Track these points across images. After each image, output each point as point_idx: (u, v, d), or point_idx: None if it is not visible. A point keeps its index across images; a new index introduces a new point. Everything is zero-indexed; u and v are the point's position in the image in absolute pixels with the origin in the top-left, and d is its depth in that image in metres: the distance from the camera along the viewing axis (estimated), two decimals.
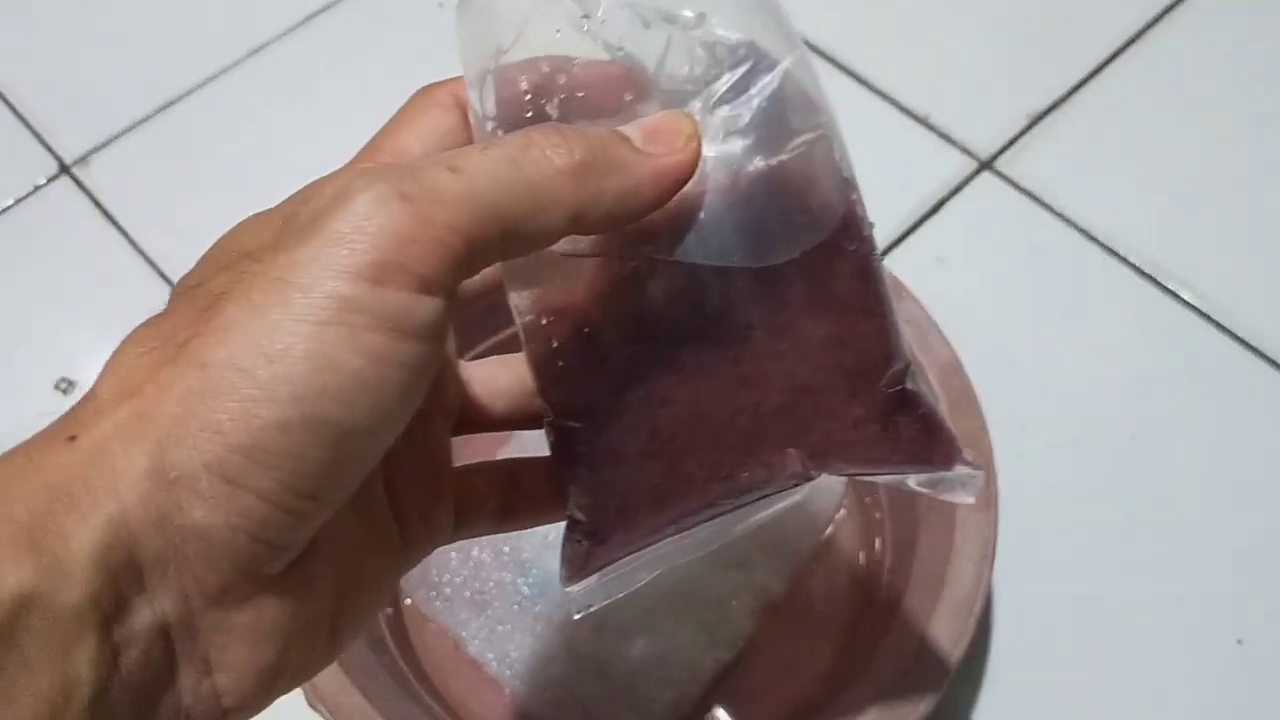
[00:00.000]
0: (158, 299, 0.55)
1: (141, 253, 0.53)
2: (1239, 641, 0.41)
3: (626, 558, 0.24)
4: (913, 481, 0.24)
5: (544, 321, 0.22)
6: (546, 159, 0.19)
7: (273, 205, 0.21)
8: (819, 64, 0.57)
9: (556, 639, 0.41)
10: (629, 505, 0.23)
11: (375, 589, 0.22)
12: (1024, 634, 0.41)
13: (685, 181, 0.21)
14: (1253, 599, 0.42)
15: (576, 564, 0.24)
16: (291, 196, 0.20)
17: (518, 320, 0.23)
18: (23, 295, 0.52)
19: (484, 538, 0.43)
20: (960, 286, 0.48)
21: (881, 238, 0.51)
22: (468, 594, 0.42)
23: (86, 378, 0.50)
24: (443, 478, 0.24)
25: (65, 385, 0.49)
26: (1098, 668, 0.41)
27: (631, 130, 0.21)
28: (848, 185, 0.23)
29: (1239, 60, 0.56)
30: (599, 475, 0.23)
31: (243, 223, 0.20)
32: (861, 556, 0.42)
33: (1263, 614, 0.41)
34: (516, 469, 0.25)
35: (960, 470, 0.24)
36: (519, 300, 0.22)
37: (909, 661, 0.34)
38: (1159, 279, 0.49)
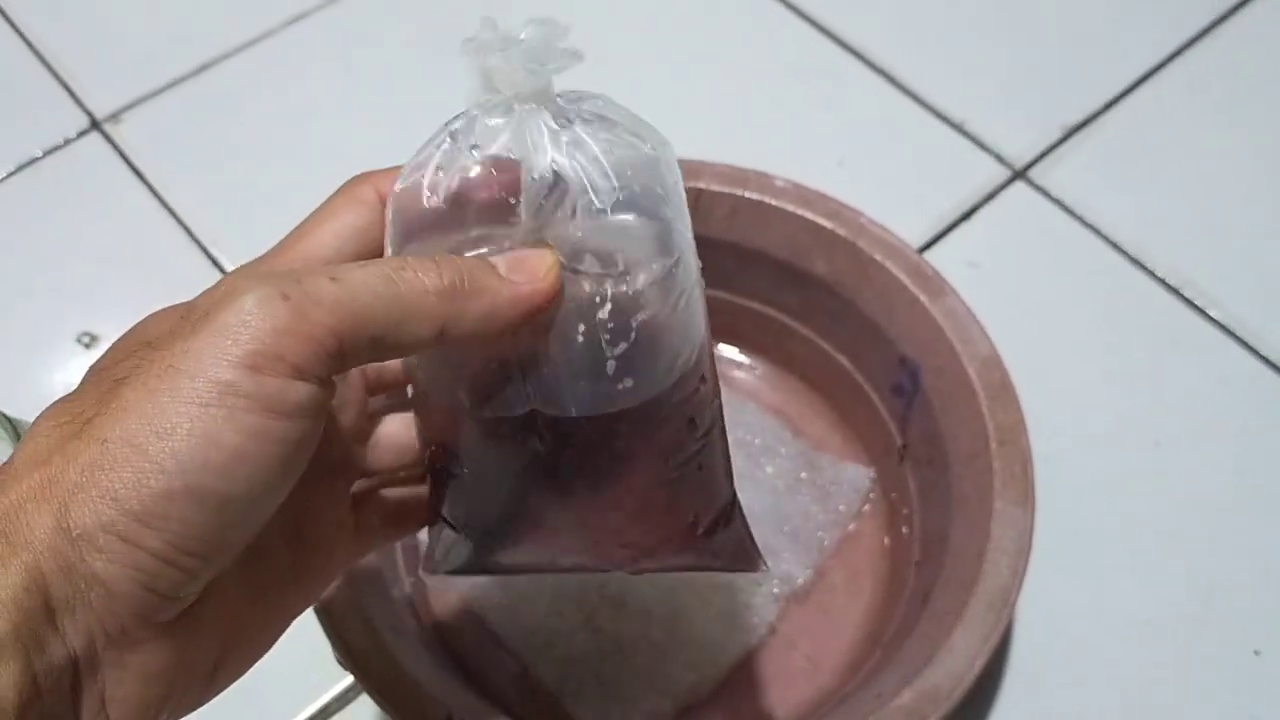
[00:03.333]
0: (185, 258, 0.55)
1: (170, 211, 0.53)
2: (1256, 652, 0.41)
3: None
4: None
5: (423, 396, 0.26)
6: (418, 279, 0.22)
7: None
8: (863, 71, 0.58)
9: (578, 616, 0.41)
10: (486, 546, 0.27)
11: (264, 629, 0.25)
12: (1044, 635, 0.41)
13: (545, 308, 0.23)
14: (1270, 610, 0.42)
15: (441, 555, 0.27)
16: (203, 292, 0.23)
17: (409, 378, 0.27)
18: (47, 248, 0.52)
19: None
20: (990, 291, 0.48)
21: (914, 240, 0.52)
22: None
23: (108, 333, 0.50)
24: (343, 519, 0.28)
25: (87, 339, 0.49)
26: (1115, 672, 0.41)
27: (499, 260, 0.23)
28: (699, 340, 0.25)
29: (1271, 84, 0.57)
30: (463, 514, 0.27)
31: (151, 314, 0.23)
32: (887, 550, 0.42)
33: None
34: (404, 499, 0.30)
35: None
36: (408, 366, 0.27)
37: (941, 652, 0.34)
38: (1186, 294, 0.50)
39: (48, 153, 0.55)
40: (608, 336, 0.24)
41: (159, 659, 0.21)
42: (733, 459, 0.43)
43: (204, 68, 0.57)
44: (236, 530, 0.21)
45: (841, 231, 0.41)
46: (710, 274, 0.44)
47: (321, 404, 0.21)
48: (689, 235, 0.25)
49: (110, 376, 0.21)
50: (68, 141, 0.55)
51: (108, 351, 0.23)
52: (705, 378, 0.26)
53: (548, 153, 0.23)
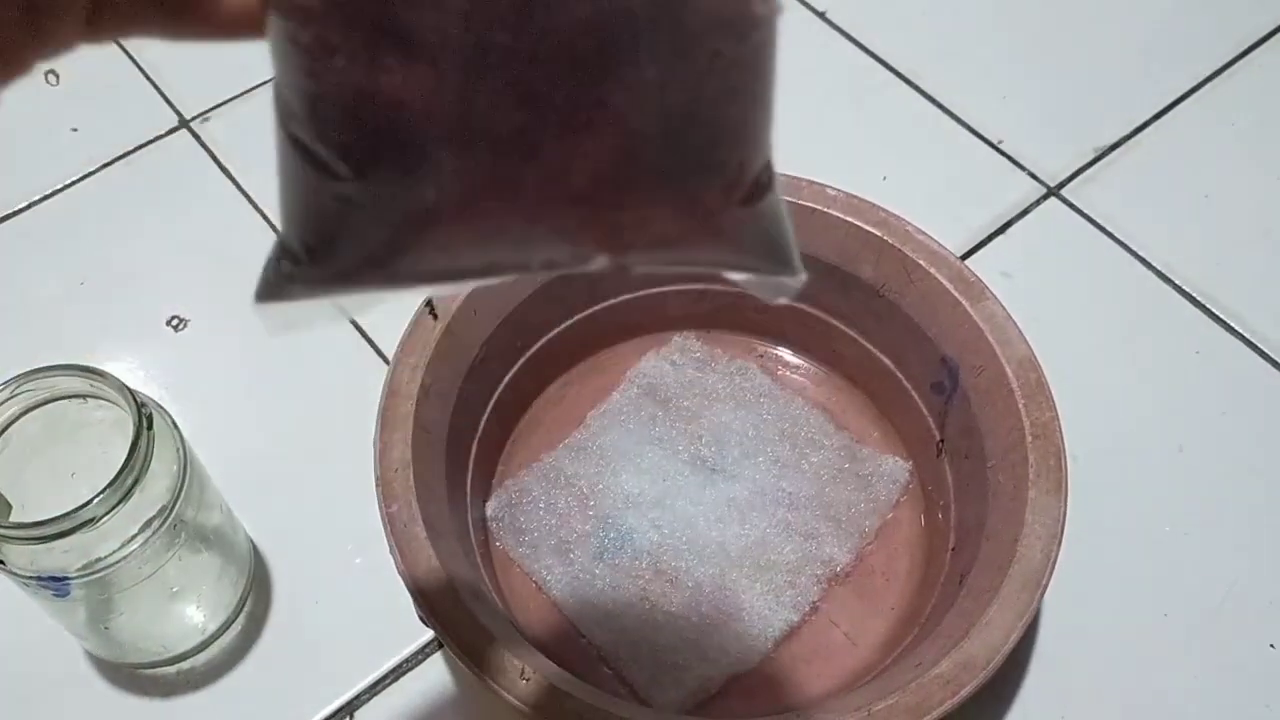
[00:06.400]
0: (266, 247, 0.60)
1: (253, 203, 0.56)
2: (1271, 645, 0.44)
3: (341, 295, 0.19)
4: (734, 274, 0.21)
5: None
6: None
7: None
8: (908, 92, 0.61)
9: (633, 590, 0.44)
10: (366, 249, 0.18)
11: None
12: (1069, 624, 0.44)
13: None
14: None
15: (277, 288, 0.19)
16: None
17: None
18: (140, 237, 0.56)
19: (571, 495, 0.46)
20: (1023, 300, 0.51)
21: (953, 250, 0.55)
22: (553, 542, 0.45)
23: (197, 316, 0.53)
24: None
25: (177, 322, 0.52)
26: (1136, 663, 0.43)
27: None
28: None
29: None
30: (330, 196, 0.18)
31: None
32: (924, 537, 0.45)
33: None
34: None
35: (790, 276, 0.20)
36: None
37: (977, 627, 0.37)
38: (1211, 308, 0.52)
39: (140, 148, 0.59)
40: None
41: None
42: (780, 449, 0.47)
43: None
44: None
45: (889, 238, 0.44)
46: None
47: None
48: None
49: None
50: (158, 138, 0.59)
51: None
52: None
53: None
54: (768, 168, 0.19)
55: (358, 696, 0.43)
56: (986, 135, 0.59)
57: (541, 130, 0.17)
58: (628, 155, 0.17)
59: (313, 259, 0.19)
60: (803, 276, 0.21)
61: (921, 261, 0.44)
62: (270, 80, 0.19)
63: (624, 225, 0.18)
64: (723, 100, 0.18)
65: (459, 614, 0.36)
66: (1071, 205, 0.56)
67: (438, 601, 0.37)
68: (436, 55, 0.16)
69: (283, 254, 0.19)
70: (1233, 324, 0.52)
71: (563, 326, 0.48)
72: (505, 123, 0.17)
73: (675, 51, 0.17)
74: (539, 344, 0.47)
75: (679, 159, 0.18)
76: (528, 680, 0.35)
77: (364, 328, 0.52)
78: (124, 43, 0.63)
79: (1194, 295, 0.53)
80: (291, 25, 0.17)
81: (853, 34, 0.63)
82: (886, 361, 0.47)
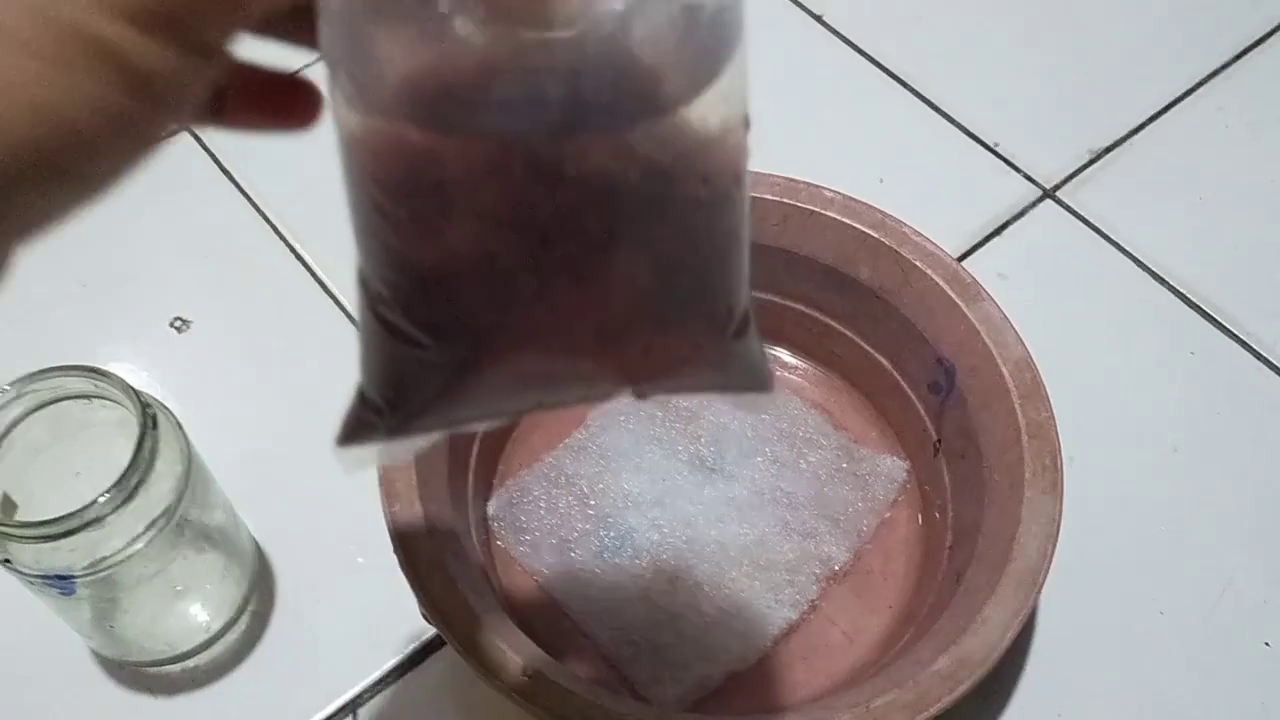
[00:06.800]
0: (268, 249, 0.60)
1: (256, 206, 0.57)
2: (1266, 644, 0.44)
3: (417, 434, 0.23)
4: (719, 394, 0.25)
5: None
6: None
7: None
8: (904, 95, 0.61)
9: (634, 588, 0.44)
10: (438, 399, 0.22)
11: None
12: (1065, 623, 0.44)
13: None
14: None
15: (357, 433, 0.23)
16: None
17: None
18: (144, 240, 0.56)
19: (571, 494, 0.46)
20: (1019, 300, 0.51)
21: (949, 251, 0.55)
22: (554, 541, 0.45)
23: (199, 317, 0.54)
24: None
25: (180, 324, 0.53)
26: (1132, 661, 0.44)
27: None
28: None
29: None
30: (408, 358, 0.21)
31: None
32: (921, 536, 0.46)
33: None
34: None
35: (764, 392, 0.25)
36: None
37: (974, 624, 0.37)
38: (1206, 309, 0.53)
39: None
40: None
41: None
42: (778, 448, 0.47)
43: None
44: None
45: (885, 240, 0.45)
46: (760, 277, 0.47)
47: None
48: None
49: None
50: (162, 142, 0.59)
51: None
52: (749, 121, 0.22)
53: None
54: (747, 308, 0.23)
55: (361, 694, 0.43)
56: (982, 138, 0.59)
57: (570, 294, 0.20)
58: (640, 310, 0.21)
59: (393, 409, 0.22)
60: (773, 393, 0.26)
61: (918, 263, 0.44)
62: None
63: (639, 366, 0.22)
64: (714, 260, 0.22)
65: (461, 612, 0.37)
66: (1067, 207, 0.57)
67: (440, 600, 0.37)
68: (493, 238, 0.20)
69: (364, 404, 0.23)
70: (1227, 325, 0.52)
71: None
72: (541, 290, 0.20)
73: (674, 227, 0.20)
74: None
75: (680, 310, 0.22)
76: (529, 677, 0.35)
77: None
78: None
79: (1189, 296, 0.53)
80: (383, 233, 0.20)
81: (849, 37, 0.64)
82: (884, 362, 0.47)
